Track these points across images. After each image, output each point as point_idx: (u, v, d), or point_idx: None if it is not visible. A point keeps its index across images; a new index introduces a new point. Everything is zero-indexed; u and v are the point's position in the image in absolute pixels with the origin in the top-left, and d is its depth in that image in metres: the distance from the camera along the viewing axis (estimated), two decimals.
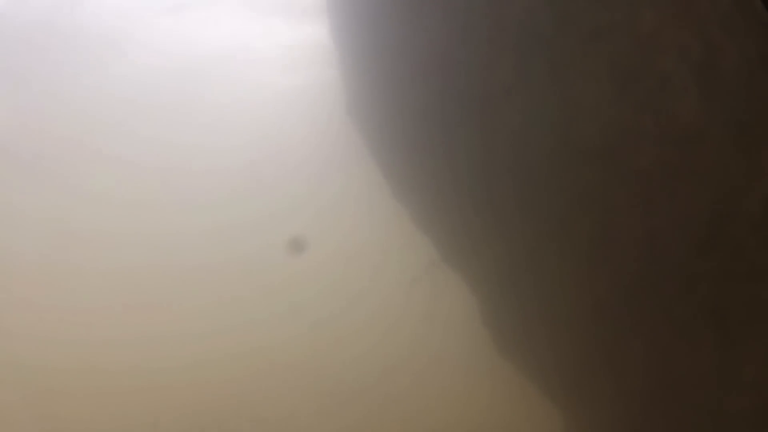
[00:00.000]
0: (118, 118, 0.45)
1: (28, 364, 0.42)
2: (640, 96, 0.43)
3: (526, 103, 0.44)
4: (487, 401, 0.42)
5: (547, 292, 0.42)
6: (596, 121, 0.43)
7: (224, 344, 0.42)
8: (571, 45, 0.44)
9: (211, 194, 0.44)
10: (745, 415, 0.40)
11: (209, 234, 0.43)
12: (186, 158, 0.45)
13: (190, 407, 0.41)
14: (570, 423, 0.41)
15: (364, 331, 0.42)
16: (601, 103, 0.43)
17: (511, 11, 0.45)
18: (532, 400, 0.41)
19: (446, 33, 0.45)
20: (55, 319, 0.42)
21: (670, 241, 0.41)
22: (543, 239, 0.43)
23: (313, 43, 0.47)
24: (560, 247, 0.42)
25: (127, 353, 0.42)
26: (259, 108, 0.46)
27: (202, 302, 0.42)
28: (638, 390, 0.41)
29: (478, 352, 0.42)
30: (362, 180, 0.45)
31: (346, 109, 0.46)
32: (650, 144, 0.42)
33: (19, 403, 0.41)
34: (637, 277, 0.42)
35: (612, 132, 0.43)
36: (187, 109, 0.45)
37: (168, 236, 0.43)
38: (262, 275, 0.43)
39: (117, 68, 0.46)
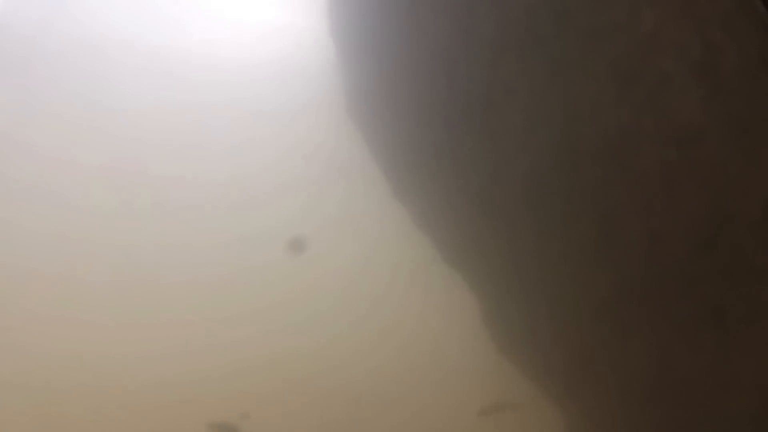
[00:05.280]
0: (116, 127, 0.45)
1: (34, 381, 0.42)
2: (640, 96, 0.43)
3: (526, 103, 0.44)
4: (487, 401, 0.42)
5: (548, 292, 0.42)
6: (596, 121, 0.43)
7: (233, 358, 0.42)
8: (571, 45, 0.44)
9: (211, 197, 0.44)
10: (745, 415, 0.40)
11: (210, 240, 0.43)
12: (185, 162, 0.45)
13: (206, 423, 0.41)
14: (570, 422, 0.41)
15: (363, 332, 0.42)
16: (601, 103, 0.43)
17: (512, 11, 0.45)
18: (532, 400, 0.42)
19: (447, 33, 0.45)
20: (61, 335, 0.42)
21: (671, 241, 0.42)
22: (544, 239, 0.43)
23: (313, 43, 0.47)
24: (562, 247, 0.43)
25: (138, 369, 0.42)
26: (258, 109, 0.46)
27: (210, 316, 0.42)
28: (638, 390, 0.41)
29: (478, 352, 0.42)
30: (363, 180, 0.45)
31: (347, 109, 0.46)
32: (650, 144, 0.42)
33: (25, 420, 0.41)
34: (637, 277, 0.42)
35: (612, 132, 0.43)
36: (186, 114, 0.45)
37: (171, 246, 0.43)
38: (264, 280, 0.43)
39: (114, 76, 0.46)
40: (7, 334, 0.42)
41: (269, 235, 0.44)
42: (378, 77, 0.46)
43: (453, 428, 0.41)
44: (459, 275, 0.43)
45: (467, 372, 0.42)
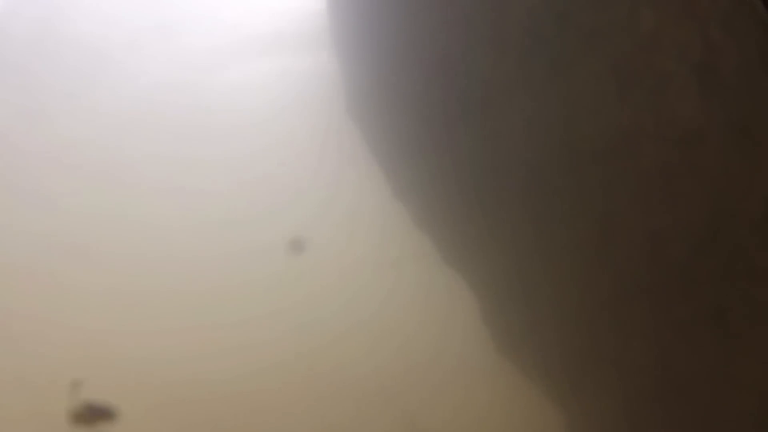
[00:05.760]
0: (114, 129, 0.45)
1: (40, 383, 0.42)
2: (640, 96, 0.43)
3: (526, 103, 0.44)
4: (487, 401, 0.42)
5: (549, 291, 0.42)
6: (596, 121, 0.43)
7: (236, 361, 0.42)
8: (571, 45, 0.44)
9: (211, 202, 0.44)
10: (745, 415, 0.40)
11: (212, 246, 0.43)
12: (184, 165, 0.45)
13: (211, 423, 0.41)
14: (570, 422, 0.41)
15: (363, 332, 0.42)
16: (601, 103, 0.43)
17: (512, 11, 0.45)
18: (532, 399, 0.42)
19: (447, 33, 0.45)
20: (65, 339, 0.42)
21: (671, 241, 0.42)
22: (544, 239, 0.43)
23: (313, 43, 0.47)
24: (562, 247, 0.43)
25: (143, 372, 0.42)
26: (258, 109, 0.46)
27: (212, 321, 0.42)
28: (638, 390, 0.41)
29: (478, 352, 0.42)
30: (363, 180, 0.45)
31: (346, 109, 0.46)
32: (650, 144, 0.42)
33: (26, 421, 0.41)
34: (637, 277, 0.42)
35: (612, 132, 0.43)
36: (186, 112, 0.45)
37: (174, 252, 0.43)
38: (266, 283, 0.43)
39: (113, 78, 0.46)
40: (10, 336, 0.42)
41: (270, 238, 0.43)
42: (378, 78, 0.46)
43: (454, 428, 0.41)
44: (459, 275, 0.43)
45: (468, 372, 0.42)
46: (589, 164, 0.43)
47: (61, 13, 0.47)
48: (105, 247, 0.43)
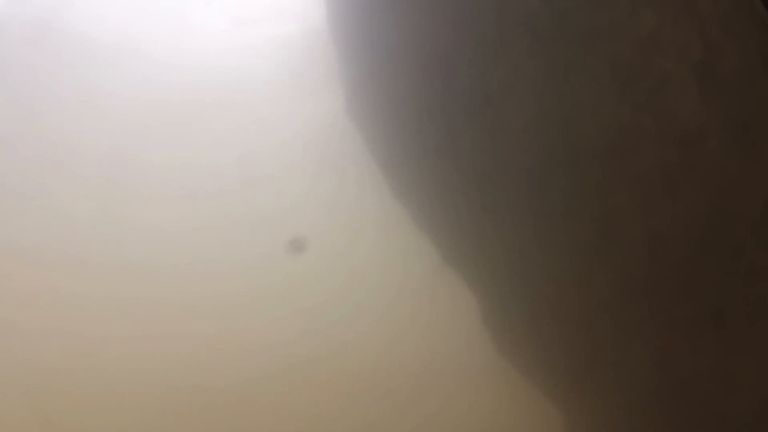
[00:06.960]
0: (116, 128, 0.45)
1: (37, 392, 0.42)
2: (640, 96, 0.43)
3: (526, 103, 0.44)
4: (487, 401, 0.42)
5: (549, 291, 0.42)
6: (596, 121, 0.43)
7: (246, 366, 0.42)
8: (571, 45, 0.44)
9: (208, 194, 0.44)
10: (745, 415, 0.40)
11: (213, 251, 0.43)
12: (183, 158, 0.45)
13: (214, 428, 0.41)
14: (570, 423, 0.41)
15: (365, 332, 0.42)
16: (601, 103, 0.43)
17: (512, 11, 0.45)
18: (532, 400, 0.42)
19: (447, 32, 0.45)
20: (67, 347, 0.42)
21: (670, 241, 0.42)
22: (544, 239, 0.43)
23: (312, 43, 0.47)
24: (562, 247, 0.43)
25: (146, 380, 0.41)
26: (257, 107, 0.46)
27: (222, 326, 0.42)
28: (638, 390, 0.41)
29: (479, 353, 0.42)
30: (362, 180, 0.45)
31: (346, 109, 0.46)
32: (650, 144, 0.42)
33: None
34: (637, 277, 0.42)
35: (612, 132, 0.43)
36: (184, 110, 0.45)
37: (169, 251, 0.43)
38: (266, 284, 0.43)
39: (111, 78, 0.46)
40: (4, 345, 0.42)
41: (270, 239, 0.43)
42: (377, 77, 0.46)
43: (453, 428, 0.41)
44: (459, 275, 0.43)
45: (468, 373, 0.42)
46: (589, 164, 0.43)
47: (63, 13, 0.47)
48: (101, 250, 0.43)
